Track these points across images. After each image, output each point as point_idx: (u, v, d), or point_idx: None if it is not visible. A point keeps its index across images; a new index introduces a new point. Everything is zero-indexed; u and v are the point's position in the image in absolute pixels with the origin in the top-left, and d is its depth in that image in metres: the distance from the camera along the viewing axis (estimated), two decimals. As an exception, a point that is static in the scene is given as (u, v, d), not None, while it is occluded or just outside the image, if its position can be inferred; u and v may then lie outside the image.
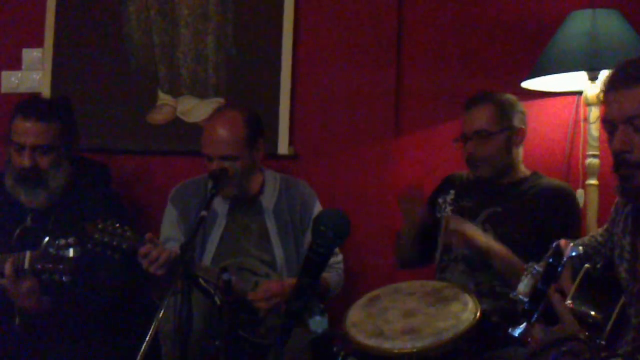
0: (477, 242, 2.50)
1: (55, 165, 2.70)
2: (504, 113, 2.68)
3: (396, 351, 2.18)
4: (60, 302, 2.58)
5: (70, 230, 2.51)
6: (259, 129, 2.83)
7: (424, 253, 2.80)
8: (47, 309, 2.55)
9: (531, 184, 2.70)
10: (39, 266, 2.42)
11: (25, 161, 2.65)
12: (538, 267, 1.82)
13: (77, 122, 2.88)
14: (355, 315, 2.37)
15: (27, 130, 2.65)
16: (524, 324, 1.74)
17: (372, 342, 2.23)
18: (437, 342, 2.18)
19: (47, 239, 2.41)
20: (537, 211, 2.61)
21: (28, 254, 2.44)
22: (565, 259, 1.74)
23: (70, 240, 2.42)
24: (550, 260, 1.72)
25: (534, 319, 1.69)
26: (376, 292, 2.49)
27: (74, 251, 2.40)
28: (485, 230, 2.62)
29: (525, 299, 1.76)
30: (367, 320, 2.32)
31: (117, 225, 2.48)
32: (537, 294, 1.70)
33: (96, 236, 2.46)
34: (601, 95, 1.91)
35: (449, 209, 2.75)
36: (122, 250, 2.47)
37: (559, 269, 1.72)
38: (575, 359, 1.70)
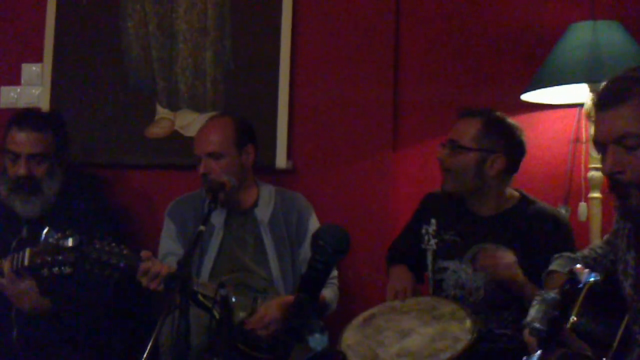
0: (515, 278, 2.39)
1: (50, 174, 2.78)
2: (488, 133, 2.54)
3: None
4: (59, 304, 2.61)
5: None
6: (250, 134, 2.86)
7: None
8: (46, 312, 2.58)
9: (521, 213, 2.57)
10: (39, 260, 2.45)
11: (21, 170, 2.72)
12: (554, 294, 1.77)
13: (69, 134, 2.94)
14: (350, 336, 2.33)
15: (23, 140, 2.73)
16: (539, 352, 1.71)
17: None
18: None
19: (46, 229, 2.45)
20: (530, 244, 2.49)
21: (28, 250, 2.48)
22: (582, 285, 1.70)
23: (69, 231, 2.44)
24: (567, 286, 1.68)
25: (552, 346, 1.66)
26: (371, 311, 2.46)
27: (73, 240, 2.43)
28: (476, 268, 2.53)
29: (541, 327, 1.72)
30: (362, 342, 2.28)
31: (114, 244, 2.48)
32: (555, 322, 1.66)
33: (94, 255, 2.44)
34: (593, 114, 1.88)
35: (433, 242, 2.66)
36: (119, 269, 2.46)
37: (576, 295, 1.69)
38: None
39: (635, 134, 1.74)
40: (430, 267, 2.67)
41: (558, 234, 2.51)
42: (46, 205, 2.78)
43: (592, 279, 1.72)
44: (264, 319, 2.56)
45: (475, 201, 2.60)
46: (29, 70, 3.49)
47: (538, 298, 1.79)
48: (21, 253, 2.50)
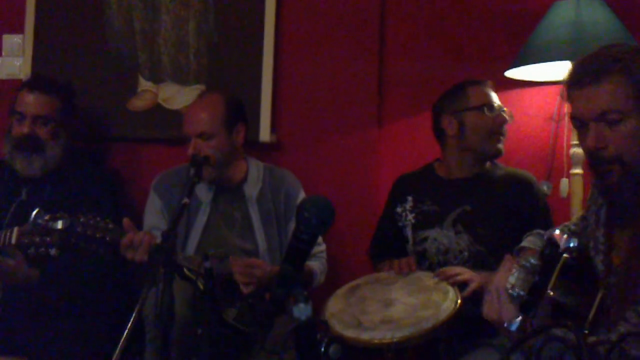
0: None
1: (54, 137, 2.89)
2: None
3: (376, 341, 2.17)
4: (47, 277, 2.62)
5: (64, 204, 2.63)
6: (240, 113, 2.85)
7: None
8: (35, 284, 2.59)
9: (492, 176, 2.68)
10: (26, 240, 2.45)
11: (25, 129, 2.84)
12: (533, 260, 1.80)
13: (77, 104, 3.04)
14: (334, 305, 2.36)
15: (31, 101, 2.87)
16: (519, 317, 1.73)
17: (350, 333, 2.21)
18: (417, 331, 2.17)
19: (36, 210, 2.43)
20: (506, 204, 2.59)
21: (16, 229, 2.50)
22: (561, 250, 1.72)
23: (59, 214, 2.44)
24: (547, 251, 1.70)
25: (533, 312, 1.68)
26: (356, 281, 2.49)
27: (63, 223, 2.41)
28: (457, 232, 2.60)
29: (522, 293, 1.74)
30: (346, 310, 2.31)
31: (99, 218, 2.47)
32: (536, 287, 1.68)
33: (79, 229, 2.44)
34: (564, 91, 1.89)
35: (411, 216, 2.71)
36: (105, 243, 2.45)
37: (556, 261, 1.71)
38: (562, 344, 1.70)
39: (616, 109, 1.77)
40: (410, 240, 2.69)
41: (529, 193, 2.63)
42: (47, 167, 2.86)
43: (572, 245, 1.74)
44: (249, 265, 2.55)
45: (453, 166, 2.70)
46: (10, 41, 3.45)
47: (516, 266, 1.80)
48: (9, 231, 2.50)
